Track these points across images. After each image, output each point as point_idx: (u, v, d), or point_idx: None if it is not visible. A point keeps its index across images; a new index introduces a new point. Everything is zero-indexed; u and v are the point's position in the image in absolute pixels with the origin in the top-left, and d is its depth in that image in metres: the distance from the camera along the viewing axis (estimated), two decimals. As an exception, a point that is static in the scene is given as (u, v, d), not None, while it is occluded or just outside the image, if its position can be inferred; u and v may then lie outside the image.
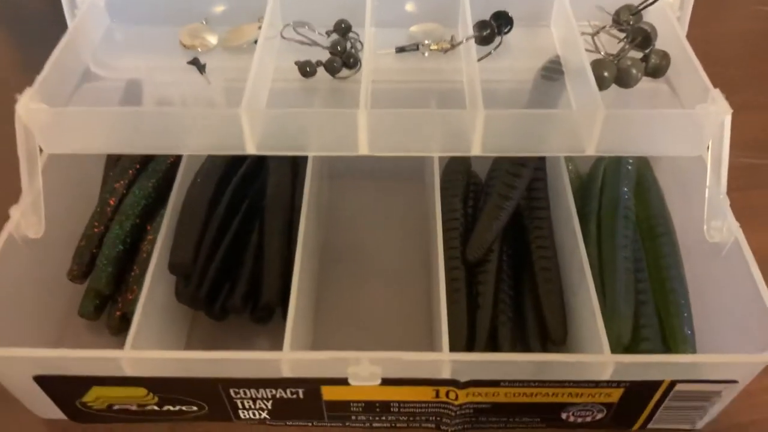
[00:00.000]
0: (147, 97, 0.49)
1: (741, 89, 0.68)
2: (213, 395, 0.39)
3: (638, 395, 0.39)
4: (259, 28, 0.48)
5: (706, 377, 0.37)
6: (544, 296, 0.45)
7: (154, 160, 0.51)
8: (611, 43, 0.49)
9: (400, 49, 0.49)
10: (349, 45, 0.49)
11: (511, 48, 0.50)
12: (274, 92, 0.46)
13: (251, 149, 0.41)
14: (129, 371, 0.37)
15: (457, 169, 0.52)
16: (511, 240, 0.49)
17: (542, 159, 0.51)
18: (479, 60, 0.45)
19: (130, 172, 0.50)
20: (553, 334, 0.43)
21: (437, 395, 0.39)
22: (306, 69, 0.47)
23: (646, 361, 0.37)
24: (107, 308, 0.47)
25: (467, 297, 0.45)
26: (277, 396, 0.39)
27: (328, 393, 0.39)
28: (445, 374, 0.37)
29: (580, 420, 0.41)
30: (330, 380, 0.38)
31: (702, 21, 0.77)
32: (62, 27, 0.48)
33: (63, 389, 0.39)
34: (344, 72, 0.47)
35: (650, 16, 0.50)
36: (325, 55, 0.47)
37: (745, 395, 0.44)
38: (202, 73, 0.48)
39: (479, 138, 0.41)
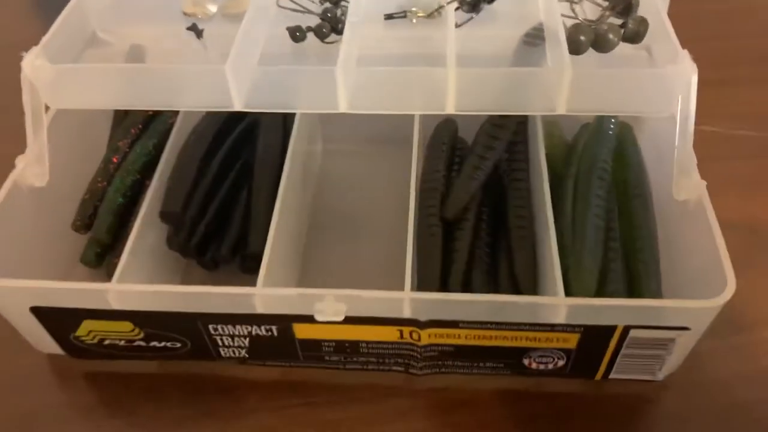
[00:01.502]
0: (149, 61, 0.52)
1: (746, 63, 0.69)
2: (194, 331, 0.42)
3: (595, 341, 0.40)
4: (258, -3, 0.51)
5: (658, 323, 0.39)
6: (516, 250, 0.46)
7: (155, 120, 0.54)
8: (595, 13, 0.50)
9: (389, 16, 0.51)
10: (339, 12, 0.51)
11: (497, 16, 0.52)
12: (266, 55, 0.48)
13: (238, 105, 0.43)
14: (114, 304, 0.40)
15: (443, 133, 0.54)
16: (491, 201, 0.51)
17: (523, 123, 0.53)
18: (458, 26, 0.47)
19: (133, 131, 0.54)
20: (522, 284, 0.45)
21: (401, 336, 0.41)
22: (296, 34, 0.49)
23: (598, 304, 0.38)
24: (107, 257, 0.51)
25: (442, 252, 0.47)
26: (253, 333, 0.42)
27: (300, 331, 0.41)
28: (406, 313, 0.39)
29: (542, 367, 0.43)
30: (299, 317, 0.40)
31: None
32: None
33: (57, 322, 0.42)
34: (333, 37, 0.50)
35: (635, -15, 0.51)
36: (317, 22, 0.50)
37: (711, 352, 0.45)
38: (199, 38, 0.51)
39: (452, 95, 0.43)
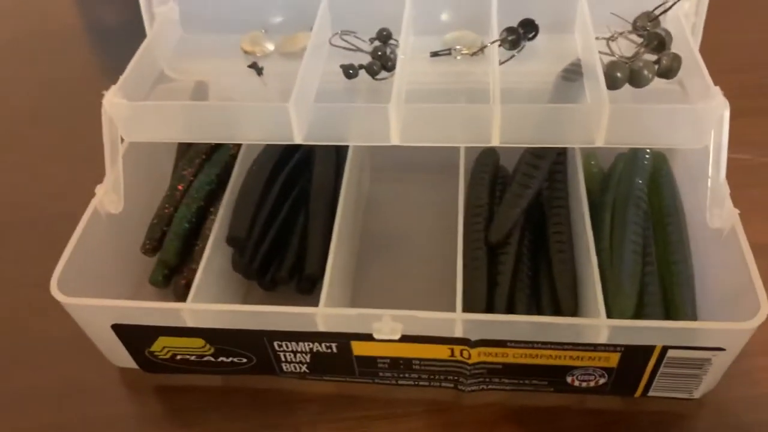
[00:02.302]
0: (212, 96, 0.57)
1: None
2: (259, 347, 0.45)
3: (635, 360, 0.43)
4: (311, 36, 0.55)
5: (694, 344, 0.41)
6: (557, 273, 0.49)
7: (217, 152, 0.58)
8: (630, 48, 0.53)
9: (435, 54, 0.55)
10: (389, 51, 0.55)
11: (537, 52, 0.55)
12: (322, 91, 0.52)
13: (298, 139, 0.47)
14: (189, 322, 0.44)
15: (486, 162, 0.57)
16: (533, 227, 0.54)
17: (563, 153, 0.56)
18: (501, 63, 0.50)
19: (197, 161, 0.58)
20: (563, 306, 0.48)
21: (452, 354, 0.44)
22: (349, 71, 0.53)
23: (638, 326, 0.41)
24: (174, 278, 0.54)
25: (488, 275, 0.50)
26: (314, 350, 0.45)
27: (358, 348, 0.44)
28: (458, 333, 0.42)
29: (584, 384, 0.46)
30: (358, 335, 0.43)
31: (738, 28, 0.80)
32: (138, 37, 0.56)
33: (135, 338, 0.46)
34: (383, 74, 0.53)
35: (668, 22, 0.54)
36: (368, 60, 0.54)
37: (746, 371, 0.47)
38: (259, 75, 0.55)
39: (497, 130, 0.46)
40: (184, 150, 0.60)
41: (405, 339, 0.43)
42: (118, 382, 0.51)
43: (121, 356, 0.49)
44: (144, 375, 0.51)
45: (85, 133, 0.63)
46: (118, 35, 0.87)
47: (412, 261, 0.57)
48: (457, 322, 0.42)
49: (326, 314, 0.43)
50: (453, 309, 0.52)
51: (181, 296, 0.53)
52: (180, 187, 0.57)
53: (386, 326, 0.42)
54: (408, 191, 0.64)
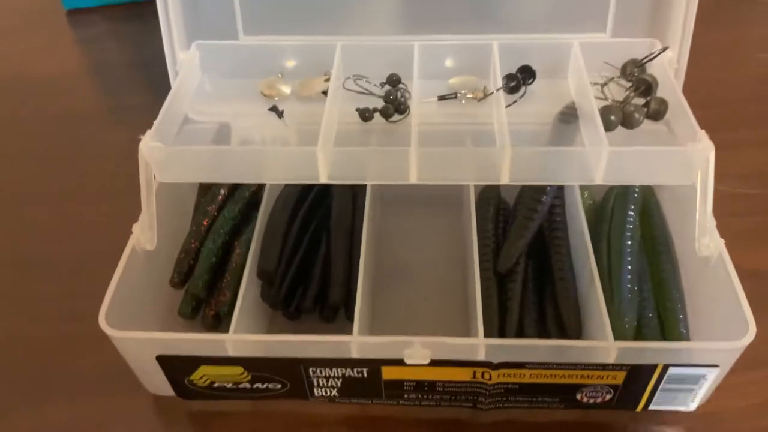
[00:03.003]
0: (235, 137, 0.61)
1: (746, 126, 0.78)
2: (295, 373, 0.49)
3: (639, 378, 0.47)
4: (325, 80, 0.60)
5: (692, 362, 0.46)
6: (561, 300, 0.54)
7: (239, 188, 0.62)
8: (619, 92, 0.59)
9: (442, 98, 0.60)
10: (399, 94, 0.59)
11: (535, 96, 0.60)
12: (340, 133, 0.56)
13: (324, 179, 0.51)
14: (231, 351, 0.47)
15: (489, 196, 0.62)
16: (535, 256, 0.58)
17: (561, 188, 0.61)
18: (507, 107, 0.55)
19: (220, 197, 0.61)
20: (569, 330, 0.52)
21: (474, 376, 0.48)
22: (365, 114, 0.58)
23: (642, 347, 0.46)
24: (202, 309, 0.58)
25: (498, 302, 0.55)
26: (346, 375, 0.49)
27: (387, 373, 0.48)
28: (481, 356, 0.47)
29: (592, 401, 0.50)
30: (389, 361, 0.47)
31: (713, 67, 0.87)
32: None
33: (177, 368, 0.49)
34: (396, 117, 0.58)
35: (653, 68, 0.59)
36: (380, 103, 0.58)
37: (735, 385, 0.52)
38: (280, 118, 0.59)
39: (507, 170, 0.50)
40: (206, 187, 0.63)
41: (432, 363, 0.46)
42: (153, 410, 0.54)
43: (158, 384, 0.52)
44: (178, 401, 0.54)
45: (98, 172, 0.67)
46: (119, 74, 0.89)
47: (422, 288, 0.61)
48: (480, 346, 0.46)
49: (360, 342, 0.47)
50: (466, 333, 0.57)
51: (210, 326, 0.56)
52: (205, 223, 0.60)
53: (417, 352, 0.46)
54: (415, 224, 0.68)
